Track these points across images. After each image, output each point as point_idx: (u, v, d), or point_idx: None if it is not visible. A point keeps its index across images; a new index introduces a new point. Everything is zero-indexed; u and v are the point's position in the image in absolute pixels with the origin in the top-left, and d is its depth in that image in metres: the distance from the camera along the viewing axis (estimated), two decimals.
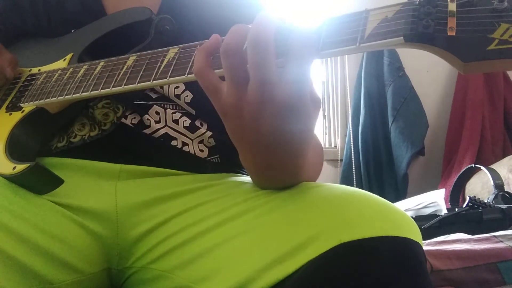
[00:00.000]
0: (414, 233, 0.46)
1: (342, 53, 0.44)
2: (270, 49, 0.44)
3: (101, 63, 0.62)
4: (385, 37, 0.41)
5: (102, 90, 0.58)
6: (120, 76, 0.57)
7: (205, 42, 0.50)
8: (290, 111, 0.45)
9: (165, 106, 0.69)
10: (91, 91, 0.59)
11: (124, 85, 0.55)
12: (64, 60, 0.70)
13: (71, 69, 0.65)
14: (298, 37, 0.45)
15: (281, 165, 0.51)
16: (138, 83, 0.55)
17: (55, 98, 0.63)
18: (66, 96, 0.62)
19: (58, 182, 0.60)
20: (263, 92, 0.45)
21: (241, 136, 0.50)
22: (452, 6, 0.39)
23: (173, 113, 0.69)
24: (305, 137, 0.49)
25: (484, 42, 0.37)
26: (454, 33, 0.38)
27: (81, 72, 0.63)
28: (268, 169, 0.53)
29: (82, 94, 0.60)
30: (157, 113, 0.69)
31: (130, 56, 0.59)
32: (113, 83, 0.57)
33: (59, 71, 0.67)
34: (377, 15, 0.43)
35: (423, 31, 0.39)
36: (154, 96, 0.69)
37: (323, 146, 2.39)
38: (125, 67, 0.58)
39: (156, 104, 0.69)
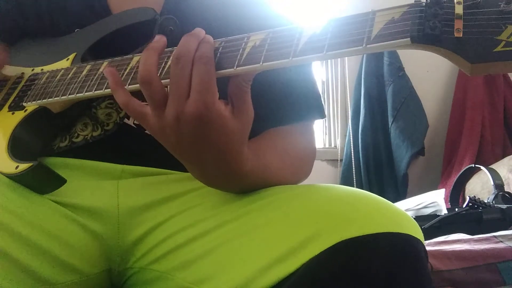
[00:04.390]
0: (414, 230, 0.46)
1: (348, 54, 0.44)
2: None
3: (105, 63, 0.62)
4: (392, 38, 0.41)
5: (106, 90, 0.58)
6: (124, 76, 0.57)
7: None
8: (200, 121, 0.48)
9: None
10: (94, 90, 0.59)
11: (129, 84, 0.55)
12: (67, 59, 0.70)
13: (74, 69, 0.65)
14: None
15: (217, 172, 0.53)
16: None
17: (58, 98, 0.63)
18: (70, 96, 0.62)
19: (61, 181, 0.60)
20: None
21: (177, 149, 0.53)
22: (459, 8, 0.39)
23: None
24: (226, 146, 0.50)
25: (491, 43, 0.37)
26: (461, 35, 0.39)
27: (85, 71, 0.63)
28: (210, 177, 0.55)
29: (86, 93, 0.60)
30: None
31: (134, 57, 0.59)
32: None
33: (62, 71, 0.67)
34: (383, 16, 0.43)
35: (430, 32, 0.39)
36: None
37: (323, 146, 2.40)
38: (129, 67, 0.58)
39: None
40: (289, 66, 0.47)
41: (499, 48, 0.36)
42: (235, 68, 0.49)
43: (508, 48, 0.36)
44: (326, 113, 2.39)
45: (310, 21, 0.47)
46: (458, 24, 0.39)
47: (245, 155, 0.53)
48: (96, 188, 0.64)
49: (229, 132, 0.50)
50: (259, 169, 0.56)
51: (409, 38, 0.40)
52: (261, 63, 0.47)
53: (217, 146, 0.50)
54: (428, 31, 0.39)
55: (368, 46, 0.42)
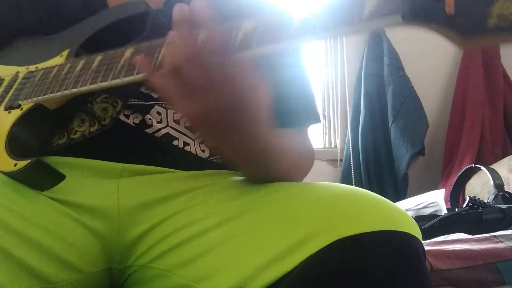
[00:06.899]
0: (412, 228, 0.46)
1: (340, 33, 0.44)
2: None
3: (99, 57, 0.61)
4: (384, 16, 0.41)
5: (100, 84, 0.58)
6: (118, 68, 0.57)
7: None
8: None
9: (166, 106, 0.69)
10: (89, 84, 0.59)
11: (123, 77, 0.55)
12: (61, 56, 0.70)
13: (68, 65, 0.65)
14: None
15: (240, 133, 0.53)
16: (136, 74, 0.55)
17: (53, 94, 0.63)
18: (65, 92, 0.62)
19: (60, 177, 0.60)
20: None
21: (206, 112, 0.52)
22: None
23: (174, 113, 0.70)
24: (243, 101, 0.50)
25: (482, 17, 0.37)
26: (452, 10, 0.39)
27: (79, 66, 0.63)
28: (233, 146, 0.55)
29: (81, 88, 0.60)
30: (159, 113, 0.69)
31: (128, 49, 0.59)
32: (111, 76, 0.57)
33: (56, 67, 0.67)
34: None
35: (421, 9, 0.40)
36: (155, 96, 0.69)
37: (323, 146, 2.40)
38: (123, 59, 0.57)
39: (158, 104, 0.69)
40: (282, 49, 0.47)
41: (490, 22, 0.37)
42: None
43: (499, 21, 0.36)
44: (326, 113, 2.40)
45: (302, 5, 0.48)
46: (449, 0, 0.39)
47: (262, 114, 0.53)
48: (97, 186, 0.64)
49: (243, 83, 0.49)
50: (271, 139, 0.56)
51: (400, 16, 0.40)
52: (254, 48, 0.48)
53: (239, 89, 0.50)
54: (418, 8, 0.40)
55: (359, 24, 0.42)
